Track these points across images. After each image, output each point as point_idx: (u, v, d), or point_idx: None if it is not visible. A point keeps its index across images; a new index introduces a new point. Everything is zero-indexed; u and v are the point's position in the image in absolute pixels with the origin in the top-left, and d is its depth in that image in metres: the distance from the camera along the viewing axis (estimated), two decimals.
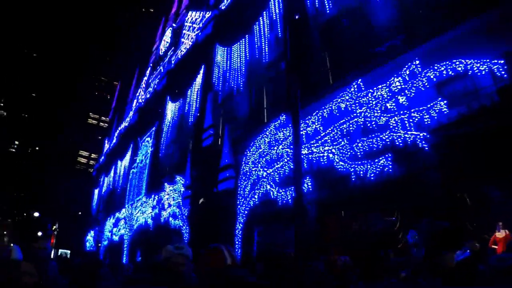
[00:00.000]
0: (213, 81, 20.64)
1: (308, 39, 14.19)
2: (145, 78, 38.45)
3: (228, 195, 15.21)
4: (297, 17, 14.21)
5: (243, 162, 15.00)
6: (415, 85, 9.49)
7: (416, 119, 9.19)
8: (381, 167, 9.65)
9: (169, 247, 3.33)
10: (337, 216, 12.02)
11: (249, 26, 18.54)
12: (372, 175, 9.81)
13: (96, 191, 45.80)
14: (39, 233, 62.60)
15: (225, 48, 20.57)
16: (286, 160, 12.68)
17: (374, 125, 10.09)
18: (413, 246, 9.17)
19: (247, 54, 18.46)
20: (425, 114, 9.03)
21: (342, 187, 10.72)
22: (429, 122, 8.96)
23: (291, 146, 12.09)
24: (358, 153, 10.28)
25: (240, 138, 16.47)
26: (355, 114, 10.70)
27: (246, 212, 14.24)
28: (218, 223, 15.39)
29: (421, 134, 8.97)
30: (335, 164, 10.84)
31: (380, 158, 9.69)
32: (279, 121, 13.65)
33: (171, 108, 26.86)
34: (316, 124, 11.90)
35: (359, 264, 9.12)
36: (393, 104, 9.82)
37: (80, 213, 62.88)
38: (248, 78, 18.24)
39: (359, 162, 10.17)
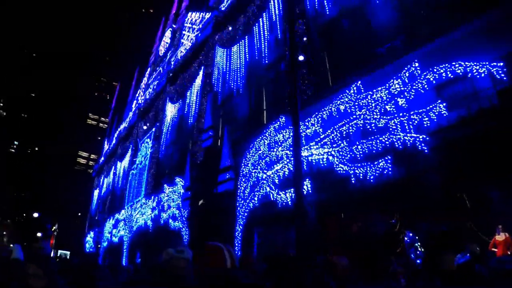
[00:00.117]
0: (212, 82, 20.66)
1: (308, 41, 14.20)
2: (145, 79, 38.47)
3: (227, 196, 15.20)
4: (299, 21, 14.29)
5: (242, 164, 14.99)
6: (414, 87, 9.48)
7: (416, 122, 9.18)
8: (380, 169, 9.64)
9: (170, 250, 3.33)
10: (337, 218, 12.01)
11: (249, 28, 18.57)
12: (371, 177, 9.80)
13: (96, 192, 45.76)
14: (39, 234, 62.60)
15: (225, 49, 20.60)
16: (285, 162, 12.68)
17: (373, 127, 10.09)
18: (411, 248, 9.19)
19: (247, 55, 18.48)
20: (425, 116, 9.03)
21: (341, 189, 10.71)
22: (428, 124, 8.95)
23: (291, 148, 12.12)
24: (358, 155, 10.27)
25: (240, 140, 16.46)
26: (354, 116, 10.69)
27: (246, 213, 14.23)
28: (218, 225, 15.37)
29: (421, 137, 8.96)
30: (334, 166, 10.83)
31: (380, 160, 9.68)
32: (278, 122, 13.65)
33: (170, 109, 26.86)
34: (316, 126, 11.89)
35: (359, 266, 9.12)
36: (393, 106, 9.82)
37: (79, 214, 62.90)
38: (248, 79, 18.25)
39: (359, 164, 10.16)
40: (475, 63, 8.47)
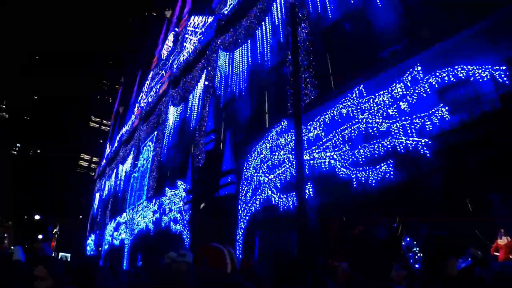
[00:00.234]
0: (215, 86, 20.70)
1: (311, 44, 14.22)
2: (147, 82, 38.56)
3: (229, 200, 15.19)
4: (302, 25, 14.32)
5: (244, 167, 14.99)
6: (417, 91, 9.48)
7: (418, 126, 9.17)
8: (382, 173, 9.63)
9: (172, 253, 3.33)
10: (339, 221, 11.98)
11: (252, 31, 18.62)
12: (373, 181, 9.79)
13: (97, 195, 45.80)
14: (40, 236, 62.65)
15: (227, 53, 20.65)
16: (287, 166, 12.67)
17: (375, 131, 10.08)
18: (409, 252, 9.15)
19: (249, 59, 18.52)
20: (427, 120, 9.02)
21: (343, 193, 10.70)
22: (430, 128, 8.94)
23: (293, 152, 12.11)
24: (360, 159, 10.26)
25: (242, 143, 16.47)
26: (356, 120, 10.68)
27: (247, 217, 14.22)
28: (219, 228, 15.36)
29: (423, 140, 8.95)
30: (336, 170, 10.82)
31: (382, 164, 9.67)
32: (280, 126, 13.65)
33: (173, 113, 26.92)
34: (318, 129, 11.89)
35: (360, 270, 9.08)
36: (395, 110, 9.81)
37: (81, 216, 62.93)
38: (250, 83, 18.29)
39: (361, 168, 10.15)
40: (477, 67, 8.46)
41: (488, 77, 8.30)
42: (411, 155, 9.20)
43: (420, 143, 8.98)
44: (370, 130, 10.22)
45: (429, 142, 8.88)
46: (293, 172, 11.96)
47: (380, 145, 9.83)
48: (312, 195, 11.43)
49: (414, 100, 9.50)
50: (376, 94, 10.39)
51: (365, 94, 10.78)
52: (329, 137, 11.40)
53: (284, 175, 12.71)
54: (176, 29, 34.48)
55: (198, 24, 27.10)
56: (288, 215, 11.83)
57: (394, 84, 10.02)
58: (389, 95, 10.06)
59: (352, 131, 10.73)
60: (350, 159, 10.53)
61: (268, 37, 17.48)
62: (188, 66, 25.79)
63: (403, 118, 9.54)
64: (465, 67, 8.69)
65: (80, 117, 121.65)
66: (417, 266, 8.85)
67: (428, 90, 9.28)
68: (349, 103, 11.13)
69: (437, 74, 9.15)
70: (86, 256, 32.96)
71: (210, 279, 2.58)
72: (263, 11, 18.09)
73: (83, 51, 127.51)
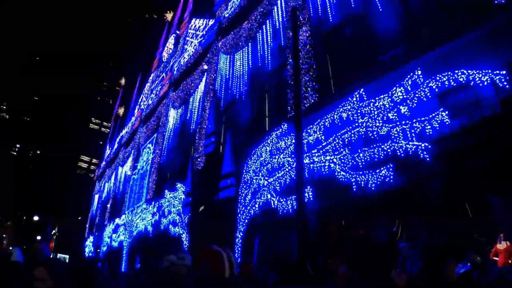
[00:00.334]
0: (215, 89, 20.72)
1: (311, 48, 14.24)
2: (148, 84, 38.61)
3: (228, 203, 15.17)
4: (303, 28, 14.34)
5: (244, 170, 14.98)
6: (417, 95, 9.48)
7: (418, 130, 9.17)
8: (382, 177, 9.61)
9: (171, 256, 3.31)
10: (338, 225, 11.97)
11: (252, 34, 18.64)
12: (373, 185, 9.78)
13: (96, 196, 45.78)
14: (39, 237, 62.53)
15: (228, 56, 20.68)
16: (287, 169, 12.66)
17: (375, 135, 10.08)
18: (406, 259, 9.14)
19: (250, 62, 18.55)
20: (427, 124, 9.01)
21: (343, 196, 10.69)
22: (430, 132, 8.94)
23: (293, 155, 12.11)
24: (360, 163, 10.26)
25: (242, 146, 16.47)
26: (356, 124, 10.68)
27: (246, 220, 14.19)
28: (218, 231, 15.34)
29: (423, 145, 8.95)
30: (336, 173, 10.81)
31: (382, 168, 9.66)
32: (280, 129, 13.65)
33: (173, 115, 26.95)
34: (318, 133, 11.88)
35: (359, 273, 9.07)
36: (395, 114, 9.81)
37: (79, 218, 62.87)
38: (251, 86, 18.31)
39: (361, 172, 10.14)
40: (477, 71, 8.46)
41: (488, 81, 8.30)
42: (411, 159, 9.19)
43: (420, 147, 8.98)
44: (370, 134, 10.22)
45: (429, 146, 8.87)
46: (293, 176, 11.95)
47: (380, 149, 9.83)
48: (311, 198, 11.41)
49: (414, 104, 9.50)
50: (377, 98, 10.39)
51: (365, 98, 10.78)
52: (329, 140, 11.40)
53: (284, 179, 12.70)
54: (177, 32, 34.53)
55: (199, 27, 27.15)
56: (288, 218, 11.81)
57: (395, 88, 10.03)
58: (389, 99, 10.07)
59: (352, 135, 10.73)
60: (350, 163, 10.52)
61: (269, 40, 17.50)
62: (188, 68, 25.82)
63: (403, 122, 9.54)
64: (465, 71, 8.69)
65: (80, 118, 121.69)
66: (414, 270, 8.84)
67: (428, 94, 9.28)
68: (349, 107, 11.13)
69: (437, 78, 9.15)
70: (86, 258, 32.95)
71: (208, 283, 2.57)
72: (264, 15, 18.12)
73: (84, 52, 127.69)
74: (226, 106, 20.24)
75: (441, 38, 9.74)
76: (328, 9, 14.57)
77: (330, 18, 14.49)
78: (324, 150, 11.49)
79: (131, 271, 21.90)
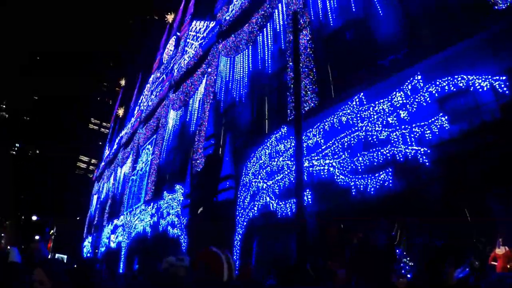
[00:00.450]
0: (215, 91, 20.74)
1: (312, 51, 14.27)
2: (148, 85, 38.64)
3: (227, 205, 15.17)
4: (304, 32, 14.37)
5: (243, 173, 14.98)
6: (417, 100, 9.50)
7: (418, 134, 9.19)
8: (381, 181, 9.62)
9: (170, 258, 3.32)
10: (337, 229, 11.97)
11: (253, 37, 18.68)
12: (372, 189, 9.78)
13: (95, 197, 45.75)
14: (37, 237, 62.47)
15: (228, 58, 20.71)
16: (286, 172, 12.67)
17: (375, 139, 10.09)
18: (400, 263, 9.17)
19: (250, 64, 18.57)
20: (427, 129, 9.02)
21: (342, 200, 10.69)
22: (430, 137, 8.95)
23: (292, 158, 12.12)
24: (359, 167, 10.27)
25: (241, 149, 16.47)
26: (356, 128, 10.69)
27: (245, 223, 14.19)
28: (217, 233, 15.33)
29: (422, 149, 8.96)
30: (335, 177, 10.82)
31: (381, 173, 9.67)
32: (280, 132, 13.66)
33: (172, 117, 26.96)
34: (317, 137, 11.90)
35: (358, 276, 9.07)
36: (395, 118, 9.83)
37: (78, 218, 62.81)
38: (251, 88, 18.33)
39: (360, 176, 10.15)
40: (477, 77, 8.48)
41: (488, 87, 8.32)
42: (410, 164, 9.20)
43: (419, 151, 8.99)
44: (370, 138, 10.23)
45: (429, 151, 8.88)
46: (292, 179, 11.96)
47: (379, 153, 9.84)
48: (310, 202, 11.42)
49: (414, 109, 9.52)
50: (376, 102, 10.41)
51: (365, 102, 10.80)
52: (329, 144, 11.41)
53: (283, 182, 12.70)
54: (178, 34, 34.59)
55: (199, 29, 27.19)
56: (286, 221, 11.82)
57: (394, 92, 10.04)
58: (389, 103, 10.08)
59: (352, 139, 10.74)
60: (349, 167, 10.53)
61: (270, 43, 17.53)
62: (189, 70, 25.85)
63: (402, 127, 9.55)
64: (465, 76, 8.71)
65: (80, 118, 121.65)
66: (409, 276, 8.86)
67: (428, 99, 9.30)
68: (349, 111, 11.15)
69: (437, 83, 9.17)
70: (84, 258, 32.90)
71: (207, 285, 2.57)
72: (265, 18, 18.15)
73: (84, 52, 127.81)
74: (226, 108, 20.26)
75: (441, 43, 9.77)
76: (329, 13, 14.61)
77: (331, 22, 14.52)
78: (323, 153, 11.50)
79: (129, 272, 21.86)
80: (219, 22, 22.83)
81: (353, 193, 10.22)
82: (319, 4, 15.21)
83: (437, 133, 8.86)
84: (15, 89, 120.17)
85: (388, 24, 12.06)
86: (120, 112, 51.99)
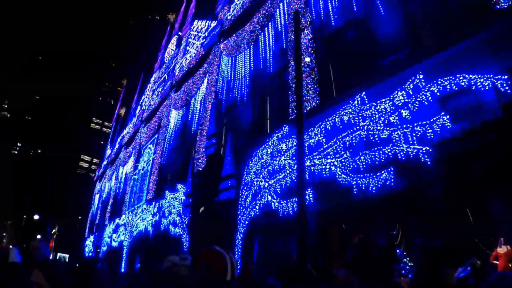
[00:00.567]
0: (217, 90, 20.74)
1: (313, 51, 14.26)
2: (150, 85, 38.66)
3: (229, 204, 15.18)
4: (305, 31, 14.37)
5: (245, 172, 14.99)
6: (418, 99, 9.50)
7: (419, 133, 9.19)
8: (383, 181, 9.62)
9: (173, 257, 3.33)
10: (339, 228, 11.97)
11: (255, 37, 18.68)
12: (374, 188, 9.78)
13: (97, 196, 45.79)
14: (38, 236, 62.56)
15: (230, 58, 20.71)
16: (288, 171, 12.67)
17: (376, 139, 10.09)
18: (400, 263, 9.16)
19: (252, 64, 18.58)
20: (428, 128, 9.03)
21: (343, 199, 10.69)
22: (432, 136, 8.95)
23: (293, 158, 12.12)
24: (361, 166, 10.27)
25: (243, 148, 16.48)
26: (358, 127, 10.69)
27: (246, 222, 14.20)
28: (218, 232, 15.35)
29: (424, 148, 8.96)
30: (337, 176, 10.82)
31: (382, 172, 9.67)
32: (282, 132, 13.66)
33: (174, 116, 26.97)
34: (319, 136, 11.90)
35: (360, 276, 9.06)
36: (396, 117, 9.83)
37: (80, 217, 62.89)
38: (252, 88, 18.33)
39: (361, 175, 10.15)
40: (479, 76, 8.48)
41: (490, 86, 8.32)
42: (412, 163, 9.20)
43: (421, 151, 8.99)
44: (371, 137, 10.23)
45: (430, 150, 8.89)
46: (294, 178, 11.95)
47: (381, 152, 9.84)
48: (312, 201, 11.42)
49: (416, 108, 9.52)
50: (378, 102, 10.41)
51: (367, 102, 10.80)
52: (330, 143, 11.41)
53: (284, 181, 12.71)
54: (179, 33, 34.60)
55: (201, 29, 27.19)
56: (288, 220, 11.82)
57: (396, 92, 10.04)
58: (391, 102, 10.08)
59: (353, 138, 10.74)
60: (351, 166, 10.53)
61: (271, 42, 17.54)
62: (190, 70, 25.87)
63: (404, 126, 9.55)
64: (466, 76, 8.71)
65: (81, 118, 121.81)
66: (409, 276, 8.85)
67: (430, 98, 9.30)
68: (350, 110, 11.14)
69: (439, 82, 9.17)
70: (86, 257, 32.94)
71: (210, 284, 2.56)
72: (267, 17, 18.16)
73: (85, 52, 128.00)
74: (227, 107, 20.26)
75: (442, 43, 9.77)
76: (330, 12, 14.61)
77: (332, 21, 14.53)
78: (325, 152, 11.50)
79: (131, 271, 21.88)
80: (220, 22, 22.84)
81: (355, 192, 10.22)
82: (320, 3, 15.21)
83: (438, 132, 8.86)
84: (17, 89, 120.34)
85: (389, 24, 12.06)
86: (122, 111, 52.03)
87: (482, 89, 8.48)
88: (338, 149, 11.06)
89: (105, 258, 32.58)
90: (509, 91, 8.01)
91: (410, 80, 9.80)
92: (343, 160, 10.80)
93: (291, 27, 15.05)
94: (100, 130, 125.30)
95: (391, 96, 10.12)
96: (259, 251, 14.17)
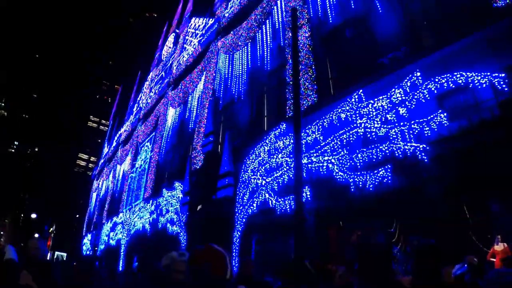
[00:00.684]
0: (214, 88, 20.71)
1: (311, 49, 14.25)
2: (147, 83, 38.57)
3: (226, 202, 15.17)
4: (303, 29, 14.35)
5: (242, 170, 14.98)
6: (416, 97, 9.50)
7: (416, 131, 9.19)
8: (380, 178, 9.62)
9: (172, 253, 3.31)
10: (336, 226, 11.98)
11: (252, 34, 18.65)
12: (371, 186, 9.79)
13: (94, 195, 45.69)
14: (36, 235, 62.46)
15: (227, 55, 20.68)
16: (285, 169, 12.67)
17: (374, 136, 10.09)
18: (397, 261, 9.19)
19: (249, 61, 18.55)
20: (426, 126, 9.03)
21: (341, 197, 10.70)
22: (429, 134, 8.95)
23: (291, 155, 12.11)
24: (358, 164, 10.27)
25: (240, 146, 16.46)
26: (355, 125, 10.69)
27: (244, 220, 14.19)
28: (216, 231, 15.33)
29: (421, 146, 8.97)
30: (334, 174, 10.82)
31: (380, 169, 9.67)
32: (279, 129, 13.66)
33: (171, 114, 26.93)
34: (316, 133, 11.89)
35: (358, 274, 9.08)
36: (394, 115, 9.83)
37: (77, 216, 62.80)
38: (250, 85, 18.31)
39: (359, 173, 10.15)
40: (476, 74, 8.48)
41: (487, 84, 8.32)
42: (409, 161, 9.21)
43: (418, 148, 9.00)
44: (369, 135, 10.23)
45: (427, 148, 8.89)
46: (291, 176, 11.95)
47: (378, 150, 9.83)
48: (309, 198, 11.43)
49: (413, 106, 9.52)
50: (375, 99, 10.40)
51: (364, 99, 10.79)
52: (328, 141, 11.40)
53: (282, 178, 12.70)
54: (177, 31, 34.52)
55: (198, 26, 27.14)
56: (285, 218, 11.82)
57: (393, 89, 10.03)
58: (388, 100, 10.08)
59: (351, 136, 10.73)
60: (348, 164, 10.53)
61: (268, 40, 17.52)
62: (188, 68, 25.83)
63: (401, 124, 9.55)
64: (464, 73, 8.71)
65: (79, 116, 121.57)
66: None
67: (427, 96, 9.30)
68: (348, 108, 11.14)
69: (437, 80, 9.16)
70: (84, 256, 32.88)
71: (209, 283, 2.54)
72: (264, 14, 18.13)
73: (83, 49, 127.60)
74: (225, 105, 20.23)
75: (440, 41, 9.77)
76: (328, 10, 14.59)
77: (330, 19, 14.51)
78: (322, 150, 11.49)
79: (129, 269, 21.87)
80: (218, 19, 22.80)
81: (352, 189, 10.22)
82: (318, 1, 15.19)
83: (436, 130, 8.86)
84: (14, 87, 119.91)
85: (388, 22, 12.05)
86: (119, 110, 51.91)
87: (480, 87, 8.48)
88: (336, 147, 11.06)
89: (102, 256, 32.55)
90: (506, 89, 8.02)
91: (408, 78, 9.80)
92: (340, 158, 10.80)
93: (289, 24, 15.01)
94: (97, 128, 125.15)
95: (389, 94, 10.11)
96: (257, 249, 14.18)
